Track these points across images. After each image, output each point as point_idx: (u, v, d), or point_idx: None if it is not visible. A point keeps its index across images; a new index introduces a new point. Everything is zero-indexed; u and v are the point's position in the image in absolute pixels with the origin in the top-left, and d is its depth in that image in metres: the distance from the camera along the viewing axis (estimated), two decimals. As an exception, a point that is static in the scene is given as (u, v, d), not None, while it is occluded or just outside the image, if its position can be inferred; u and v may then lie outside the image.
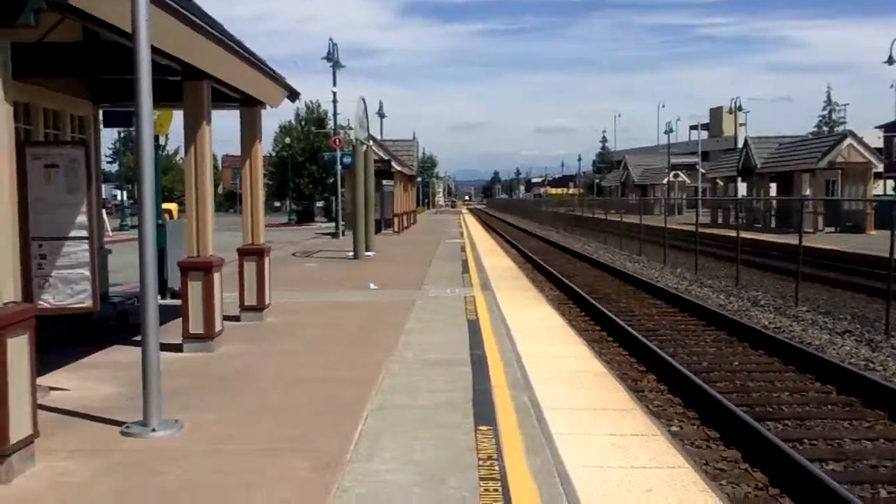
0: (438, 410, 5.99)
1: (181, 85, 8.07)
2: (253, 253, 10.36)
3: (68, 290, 6.73)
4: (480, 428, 5.54)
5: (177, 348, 8.12)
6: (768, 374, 9.64)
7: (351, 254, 21.30)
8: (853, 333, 12.39)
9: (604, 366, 8.24)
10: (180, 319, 8.26)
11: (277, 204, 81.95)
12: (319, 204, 65.74)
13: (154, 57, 6.63)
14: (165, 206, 19.61)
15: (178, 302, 8.89)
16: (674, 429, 7.34)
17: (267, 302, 10.42)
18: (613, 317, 13.11)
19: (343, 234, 32.25)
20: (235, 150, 10.66)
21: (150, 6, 5.33)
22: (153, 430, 5.39)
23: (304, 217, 60.14)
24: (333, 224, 36.44)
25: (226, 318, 9.09)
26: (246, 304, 10.24)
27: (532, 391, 6.70)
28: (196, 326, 8.13)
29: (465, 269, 17.71)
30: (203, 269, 8.15)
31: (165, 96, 9.48)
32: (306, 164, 64.71)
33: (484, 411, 5.96)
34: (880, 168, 36.56)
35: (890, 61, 31.92)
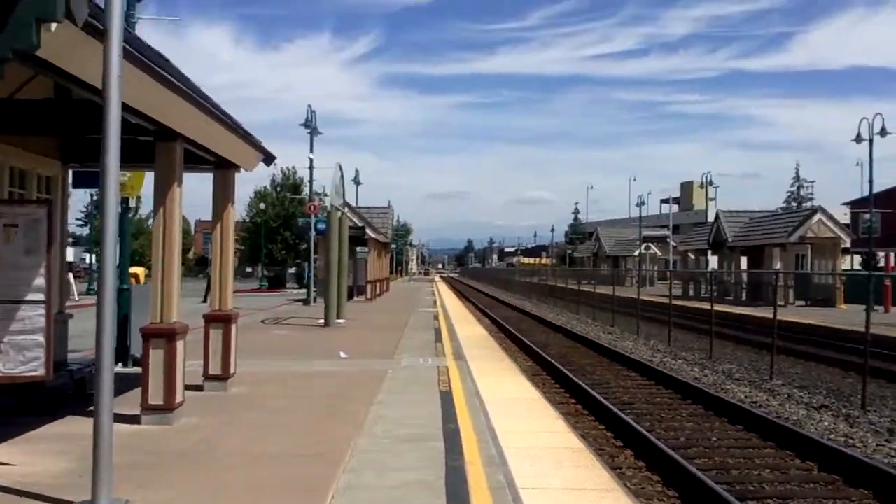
0: (409, 491, 5.67)
1: (153, 145, 7.89)
2: (220, 320, 10.04)
3: (20, 358, 6.38)
4: (453, 510, 5.23)
5: (134, 420, 7.73)
6: (748, 451, 9.41)
7: (322, 321, 20.94)
8: (829, 408, 12.23)
9: (581, 441, 7.98)
10: (140, 388, 7.89)
11: (249, 269, 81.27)
12: (292, 270, 65.30)
13: (125, 115, 6.45)
14: (132, 270, 19.16)
15: (139, 370, 8.52)
16: (654, 510, 7.06)
17: (232, 371, 10.05)
18: (589, 389, 12.86)
19: (314, 301, 31.88)
20: (208, 214, 10.45)
21: (122, 61, 5.15)
22: (102, 511, 5.01)
23: (276, 283, 59.63)
24: (305, 291, 36.03)
25: (188, 387, 8.72)
26: (210, 373, 9.86)
27: (507, 469, 6.40)
28: (156, 397, 7.76)
29: (438, 338, 17.43)
30: (166, 336, 7.81)
31: (137, 157, 9.29)
32: (280, 229, 64.53)
33: (457, 492, 5.65)
34: (848, 243, 37.06)
35: (858, 139, 32.66)
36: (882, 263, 43.29)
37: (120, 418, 7.59)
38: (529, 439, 7.68)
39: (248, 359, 12.14)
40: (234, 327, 10.18)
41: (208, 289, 34.52)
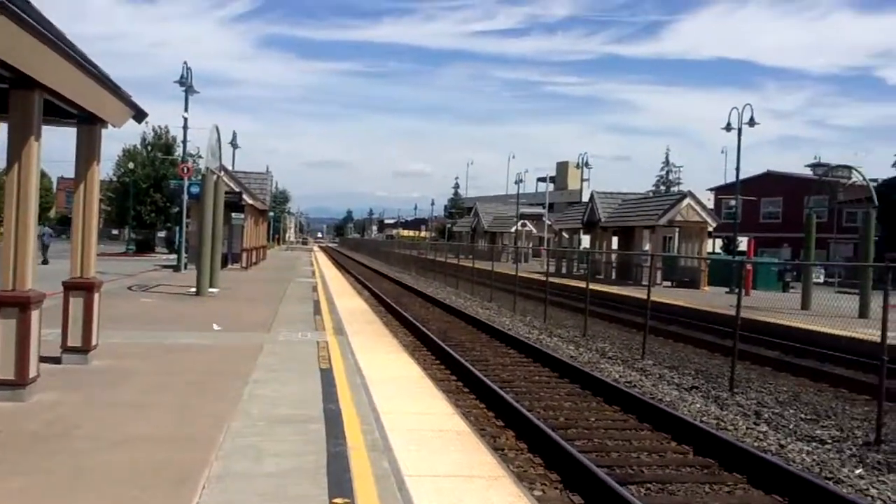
0: (288, 479, 5.31)
1: (7, 94, 7.08)
2: (81, 287, 9.25)
3: None
4: (335, 501, 4.92)
5: (-19, 396, 6.99)
6: (625, 433, 9.54)
7: (193, 290, 20.00)
8: (700, 389, 12.65)
9: (464, 422, 7.83)
10: (-12, 362, 7.12)
11: (115, 232, 77.46)
12: (161, 234, 62.55)
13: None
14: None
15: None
16: (537, 493, 6.99)
17: (94, 343, 9.32)
18: (470, 367, 12.79)
19: (186, 268, 30.53)
20: (72, 171, 9.56)
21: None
22: (-65, 504, 4.42)
23: (144, 247, 56.99)
24: (175, 256, 34.49)
25: (44, 359, 8.00)
26: (69, 344, 9.09)
27: (392, 454, 6.15)
28: (6, 371, 7.02)
29: (318, 311, 16.96)
30: (18, 305, 7.07)
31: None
32: (150, 191, 61.46)
33: (340, 480, 5.34)
34: (713, 227, 38.80)
35: (728, 128, 34.11)
36: (742, 248, 45.66)
37: (-37, 395, 6.85)
38: (413, 421, 7.46)
39: (112, 329, 11.35)
40: (97, 296, 9.43)
41: (44, 249, 32.56)
